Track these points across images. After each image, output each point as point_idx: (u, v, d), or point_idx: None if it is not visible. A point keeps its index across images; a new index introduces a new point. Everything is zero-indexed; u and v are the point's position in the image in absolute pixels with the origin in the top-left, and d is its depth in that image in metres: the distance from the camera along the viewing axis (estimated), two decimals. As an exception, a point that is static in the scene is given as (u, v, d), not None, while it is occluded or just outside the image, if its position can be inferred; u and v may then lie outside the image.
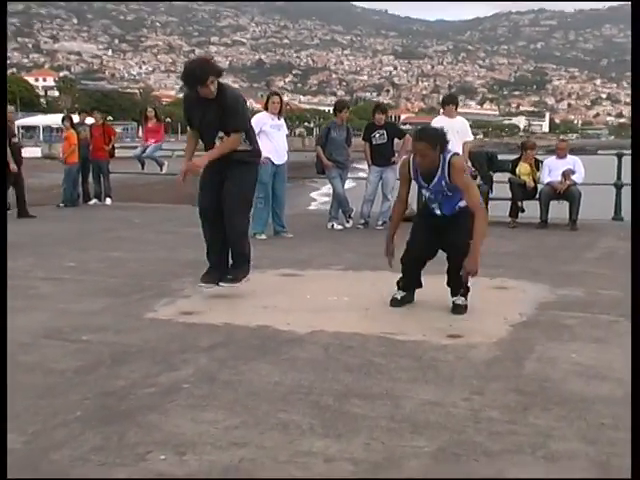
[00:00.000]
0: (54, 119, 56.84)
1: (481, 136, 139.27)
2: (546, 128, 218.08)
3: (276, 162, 9.32)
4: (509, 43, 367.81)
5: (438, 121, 10.65)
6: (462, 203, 5.39)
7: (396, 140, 10.79)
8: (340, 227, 10.38)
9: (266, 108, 9.45)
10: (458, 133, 10.35)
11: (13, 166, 11.67)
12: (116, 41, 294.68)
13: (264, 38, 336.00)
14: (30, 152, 35.26)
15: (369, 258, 7.88)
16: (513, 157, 11.50)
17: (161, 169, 13.90)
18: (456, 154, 5.55)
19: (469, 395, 3.69)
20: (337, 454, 3.00)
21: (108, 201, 14.07)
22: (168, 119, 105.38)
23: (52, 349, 4.38)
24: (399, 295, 5.66)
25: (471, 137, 10.77)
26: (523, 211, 10.98)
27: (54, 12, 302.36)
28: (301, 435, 3.19)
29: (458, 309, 5.41)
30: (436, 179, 5.35)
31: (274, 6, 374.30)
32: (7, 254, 6.30)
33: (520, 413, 3.47)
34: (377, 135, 10.52)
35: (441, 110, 11.21)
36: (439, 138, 5.28)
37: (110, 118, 76.91)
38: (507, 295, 6.07)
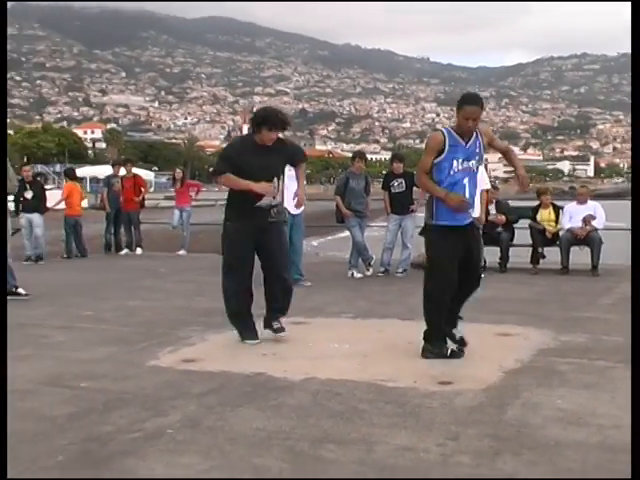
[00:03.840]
0: (101, 170, 58.42)
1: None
2: (591, 172, 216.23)
3: (293, 212, 9.49)
4: (552, 88, 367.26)
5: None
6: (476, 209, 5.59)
7: (415, 188, 10.92)
8: (360, 275, 10.49)
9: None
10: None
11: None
12: (162, 93, 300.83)
13: (307, 87, 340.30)
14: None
15: (381, 306, 8.00)
16: (534, 204, 11.55)
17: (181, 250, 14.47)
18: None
19: (444, 440, 3.76)
20: (299, 497, 3.09)
21: (139, 251, 14.41)
22: (212, 168, 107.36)
23: (49, 396, 4.54)
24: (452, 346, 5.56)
25: (488, 186, 10.81)
26: (544, 257, 11.00)
27: (103, 67, 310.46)
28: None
29: (455, 355, 5.49)
30: (472, 139, 5.39)
31: (317, 56, 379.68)
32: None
33: (490, 458, 3.53)
34: (396, 184, 10.68)
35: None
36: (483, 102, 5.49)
37: (155, 168, 78.28)
38: (508, 342, 6.10)
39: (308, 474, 3.32)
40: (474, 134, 5.41)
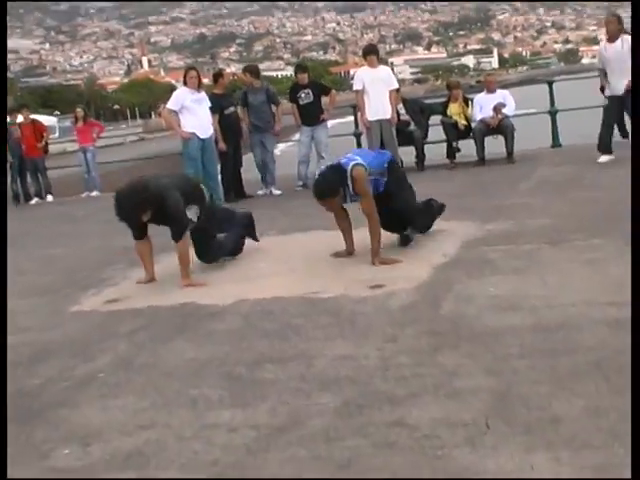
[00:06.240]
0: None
1: (432, 80, 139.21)
2: (496, 64, 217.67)
3: (202, 136, 9.25)
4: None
5: (362, 72, 10.61)
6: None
7: (323, 97, 10.75)
8: (279, 192, 10.33)
9: (185, 83, 9.38)
10: (384, 82, 10.31)
11: (221, 145, 9.92)
12: (52, 33, 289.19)
13: (203, 11, 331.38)
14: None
15: (303, 220, 7.85)
16: (441, 100, 11.49)
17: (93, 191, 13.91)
18: (356, 165, 5.55)
19: (382, 344, 3.71)
20: (242, 422, 3.00)
21: (49, 198, 13.92)
22: (116, 105, 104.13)
23: (-30, 357, 4.31)
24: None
25: (396, 85, 10.68)
26: (459, 151, 10.99)
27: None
28: (208, 409, 3.18)
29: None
30: (349, 198, 5.60)
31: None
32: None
33: (429, 355, 3.50)
34: (303, 95, 10.45)
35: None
36: (335, 184, 5.48)
37: (57, 112, 75.85)
38: (434, 237, 6.06)
39: (248, 398, 3.23)
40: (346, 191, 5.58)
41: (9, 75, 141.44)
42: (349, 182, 5.47)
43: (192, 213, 5.62)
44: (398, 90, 11.00)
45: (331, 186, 5.48)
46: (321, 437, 2.78)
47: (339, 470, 2.54)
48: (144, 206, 5.28)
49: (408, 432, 2.73)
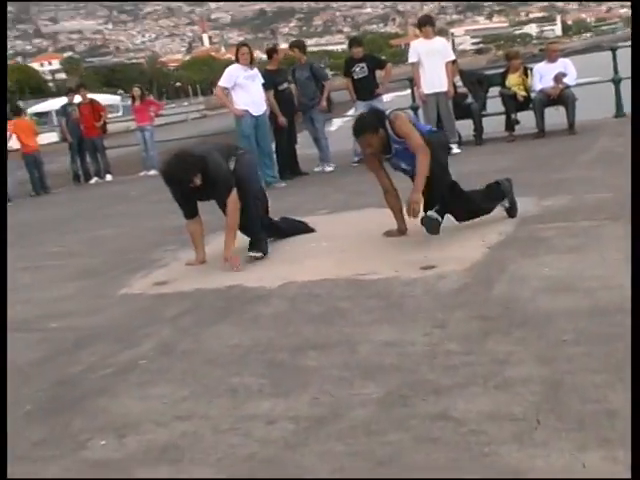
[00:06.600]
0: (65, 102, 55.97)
1: (494, 50, 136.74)
2: (559, 32, 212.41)
3: (255, 113, 9.14)
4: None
5: (417, 43, 10.36)
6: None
7: (378, 71, 10.53)
8: (330, 168, 10.19)
9: (237, 60, 9.27)
10: (439, 54, 10.05)
11: (282, 119, 9.93)
12: (115, 13, 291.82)
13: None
14: (46, 138, 34.63)
15: (356, 197, 7.71)
16: (500, 71, 11.17)
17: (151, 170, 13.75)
18: (393, 111, 5.44)
19: (430, 330, 3.56)
20: (281, 414, 2.89)
21: (108, 177, 14.06)
22: (178, 83, 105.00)
23: (18, 342, 4.28)
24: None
25: (453, 57, 10.38)
26: (518, 123, 10.68)
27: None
28: (248, 398, 3.08)
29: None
30: (393, 146, 5.36)
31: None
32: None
33: (479, 341, 3.33)
34: (357, 69, 10.25)
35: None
36: (373, 121, 5.35)
37: (121, 91, 76.68)
38: (490, 215, 5.84)
39: (289, 387, 3.12)
40: (389, 138, 5.33)
41: (74, 55, 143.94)
42: (389, 129, 5.28)
43: (230, 164, 5.61)
44: (455, 62, 10.70)
45: (368, 121, 5.37)
46: (362, 430, 2.66)
47: (378, 467, 2.42)
48: (193, 169, 5.25)
49: (453, 426, 2.59)
